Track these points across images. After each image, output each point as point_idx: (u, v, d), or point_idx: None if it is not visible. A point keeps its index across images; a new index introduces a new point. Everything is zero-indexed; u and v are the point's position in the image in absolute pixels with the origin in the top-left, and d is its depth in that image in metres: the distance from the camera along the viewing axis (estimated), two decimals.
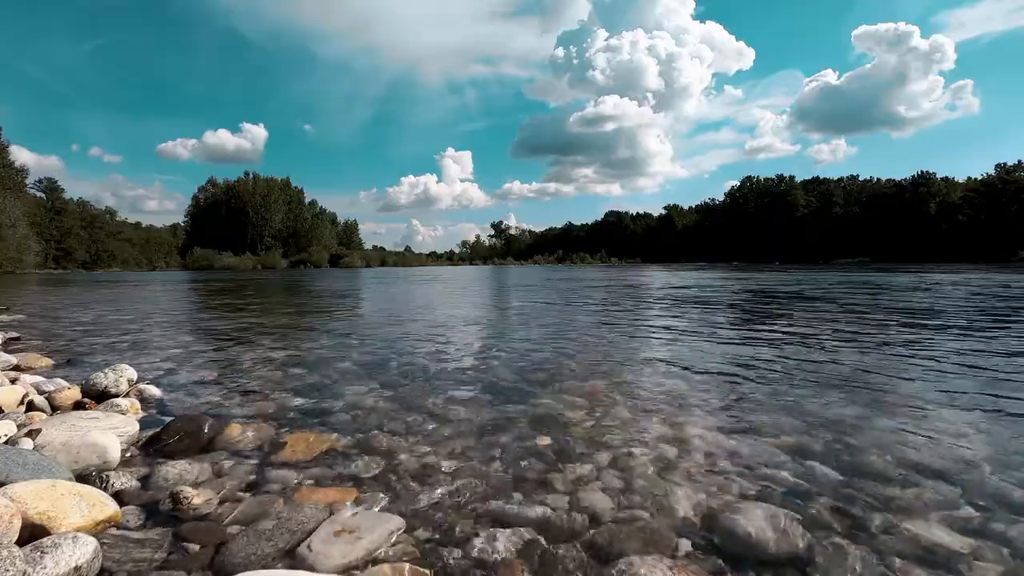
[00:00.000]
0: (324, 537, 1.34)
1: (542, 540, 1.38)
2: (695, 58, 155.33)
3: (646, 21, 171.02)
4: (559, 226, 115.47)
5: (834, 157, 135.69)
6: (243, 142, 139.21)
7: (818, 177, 78.88)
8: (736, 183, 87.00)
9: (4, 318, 6.63)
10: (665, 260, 78.78)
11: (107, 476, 1.67)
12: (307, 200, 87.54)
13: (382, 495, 1.62)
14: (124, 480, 1.68)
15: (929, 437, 2.10)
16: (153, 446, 2.01)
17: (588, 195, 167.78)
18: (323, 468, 1.83)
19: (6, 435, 1.86)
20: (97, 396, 2.57)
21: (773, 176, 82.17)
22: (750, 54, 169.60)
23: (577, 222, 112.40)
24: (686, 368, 3.49)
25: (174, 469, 1.76)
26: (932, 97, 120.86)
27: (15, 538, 1.19)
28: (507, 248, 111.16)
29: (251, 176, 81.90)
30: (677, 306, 8.25)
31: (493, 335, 5.28)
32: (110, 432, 1.90)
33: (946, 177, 63.54)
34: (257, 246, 77.77)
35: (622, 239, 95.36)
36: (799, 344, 4.37)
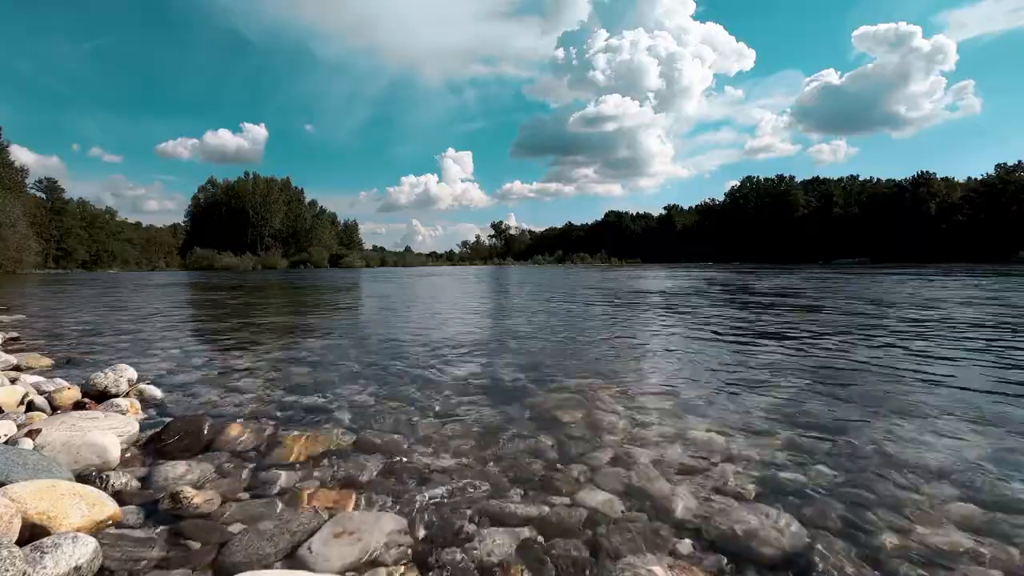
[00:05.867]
0: (324, 538, 1.35)
1: (542, 540, 1.38)
2: (696, 58, 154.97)
3: (646, 21, 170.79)
4: (559, 226, 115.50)
5: (834, 157, 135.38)
6: (243, 142, 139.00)
7: (818, 177, 78.90)
8: (736, 183, 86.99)
9: (4, 318, 6.63)
10: (665, 260, 78.72)
11: (107, 476, 1.67)
12: (307, 200, 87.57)
13: (382, 495, 1.62)
14: (124, 480, 1.68)
15: (929, 437, 2.10)
16: (153, 446, 2.01)
17: (588, 195, 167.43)
18: (323, 468, 1.83)
19: (6, 435, 1.86)
20: (97, 396, 2.58)
21: (773, 176, 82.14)
22: (751, 54, 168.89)
23: (577, 222, 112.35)
24: (686, 369, 3.49)
25: (174, 469, 1.76)
26: (933, 97, 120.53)
27: (15, 538, 1.19)
28: (507, 248, 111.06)
29: (251, 176, 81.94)
30: (677, 307, 8.25)
31: (493, 335, 5.28)
32: (110, 432, 1.90)
33: (946, 177, 63.55)
34: (257, 246, 77.75)
35: (622, 239, 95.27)
36: (798, 346, 4.37)
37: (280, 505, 1.56)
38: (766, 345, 4.36)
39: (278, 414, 2.47)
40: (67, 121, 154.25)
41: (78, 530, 1.29)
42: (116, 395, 2.60)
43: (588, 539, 1.38)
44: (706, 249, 77.73)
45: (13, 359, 3.40)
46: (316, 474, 1.78)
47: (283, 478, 1.75)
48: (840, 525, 1.44)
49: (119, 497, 1.57)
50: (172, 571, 1.23)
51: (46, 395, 2.51)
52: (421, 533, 1.41)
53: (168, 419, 2.29)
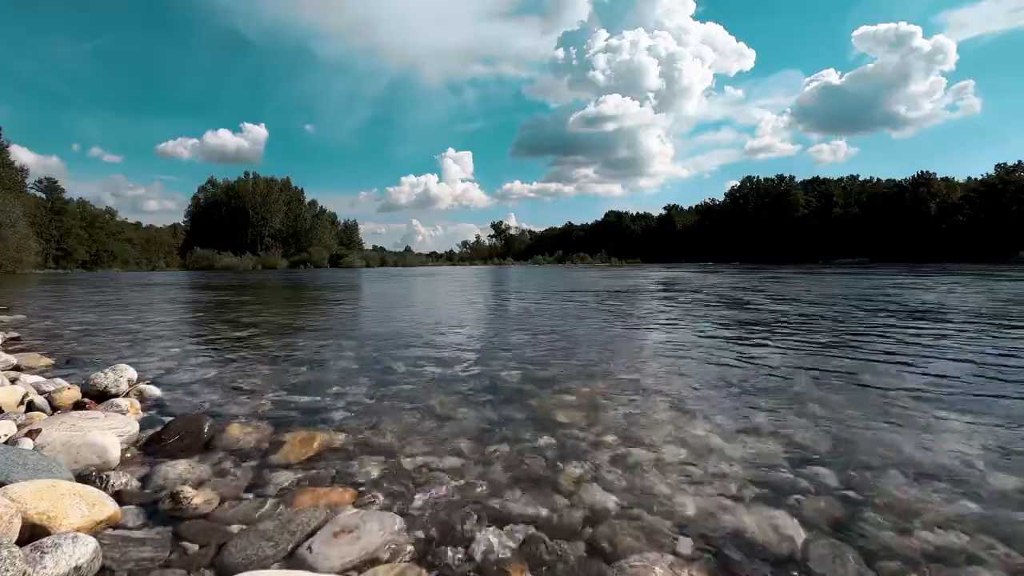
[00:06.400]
0: (324, 537, 1.35)
1: (542, 539, 1.38)
2: (696, 58, 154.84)
3: (646, 21, 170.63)
4: (559, 226, 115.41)
5: (834, 157, 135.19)
6: (243, 142, 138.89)
7: (818, 177, 78.88)
8: (736, 183, 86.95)
9: (4, 318, 6.63)
10: (665, 260, 78.66)
11: (107, 476, 1.67)
12: (307, 200, 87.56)
13: (382, 495, 1.62)
14: (124, 480, 1.68)
15: (929, 437, 2.10)
16: (153, 446, 2.01)
17: (588, 195, 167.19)
18: (323, 468, 1.83)
19: (6, 435, 1.86)
20: (97, 396, 2.58)
21: (773, 176, 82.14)
22: (751, 54, 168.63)
23: (577, 222, 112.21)
24: (686, 369, 3.49)
25: (174, 469, 1.76)
26: (933, 97, 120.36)
27: (15, 538, 1.19)
28: (507, 248, 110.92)
29: (251, 176, 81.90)
30: (677, 308, 8.25)
31: (493, 335, 5.28)
32: (110, 432, 1.91)
33: (946, 177, 63.53)
34: (257, 246, 77.74)
35: (622, 239, 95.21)
36: (798, 346, 4.37)
37: (280, 505, 1.55)
38: (767, 346, 4.36)
39: (278, 414, 2.47)
40: (67, 121, 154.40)
41: (78, 530, 1.29)
42: (116, 395, 2.60)
43: (588, 538, 1.38)
44: (706, 249, 77.68)
45: (13, 359, 3.40)
46: (316, 474, 1.78)
47: (283, 478, 1.75)
48: (840, 525, 1.44)
49: (119, 497, 1.57)
50: (172, 571, 1.23)
51: (46, 395, 2.51)
52: (421, 532, 1.41)
53: (168, 419, 2.29)
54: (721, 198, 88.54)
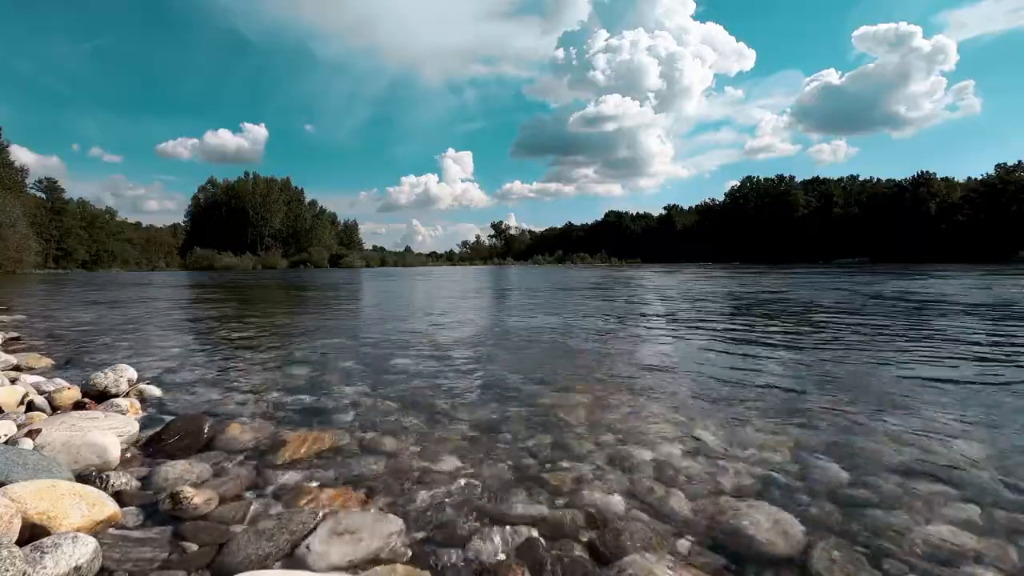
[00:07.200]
0: (324, 537, 1.35)
1: (542, 540, 1.38)
2: (696, 58, 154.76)
3: (646, 21, 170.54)
4: (559, 226, 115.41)
5: (834, 157, 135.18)
6: (243, 142, 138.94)
7: (818, 177, 78.96)
8: (736, 183, 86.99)
9: (4, 318, 6.63)
10: (665, 260, 78.60)
11: (107, 476, 1.67)
12: (307, 200, 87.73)
13: (382, 495, 1.62)
14: (124, 480, 1.67)
15: (929, 436, 2.09)
16: (153, 446, 2.01)
17: (588, 195, 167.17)
18: (323, 467, 1.83)
19: (6, 435, 1.86)
20: (97, 396, 2.58)
21: (773, 176, 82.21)
22: (751, 55, 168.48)
23: (577, 222, 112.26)
24: (686, 369, 3.49)
25: (174, 469, 1.76)
26: (933, 97, 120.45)
27: (15, 538, 1.19)
28: (507, 248, 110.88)
29: (251, 176, 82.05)
30: (677, 308, 8.25)
31: (492, 335, 5.28)
32: (110, 432, 1.90)
33: (946, 177, 63.55)
34: (257, 246, 77.79)
35: (622, 239, 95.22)
36: (798, 345, 4.37)
37: (280, 504, 1.55)
38: (767, 346, 4.36)
39: (278, 413, 2.47)
40: (67, 121, 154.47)
41: (78, 530, 1.29)
42: (116, 395, 2.60)
43: (588, 539, 1.38)
44: (706, 249, 77.65)
45: (13, 359, 3.40)
46: (316, 473, 1.78)
47: (283, 477, 1.74)
48: (840, 524, 1.44)
49: (119, 497, 1.56)
50: (172, 571, 1.23)
51: (46, 395, 2.51)
52: (420, 533, 1.41)
53: (168, 419, 2.29)
54: (721, 198, 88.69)
